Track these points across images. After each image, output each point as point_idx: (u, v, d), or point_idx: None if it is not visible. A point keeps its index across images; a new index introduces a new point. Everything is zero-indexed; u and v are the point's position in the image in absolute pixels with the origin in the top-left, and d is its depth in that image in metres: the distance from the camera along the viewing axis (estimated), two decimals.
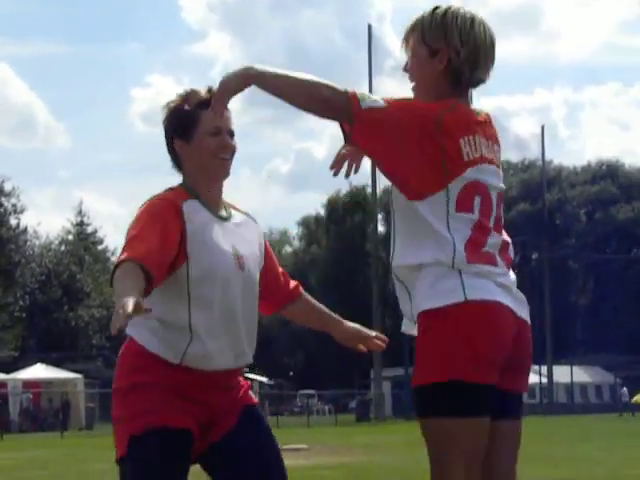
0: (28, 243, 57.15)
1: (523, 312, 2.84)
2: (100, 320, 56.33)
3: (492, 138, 2.92)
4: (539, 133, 60.15)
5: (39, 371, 39.95)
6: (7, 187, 52.91)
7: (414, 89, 2.96)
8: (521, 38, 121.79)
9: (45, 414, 38.97)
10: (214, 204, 3.24)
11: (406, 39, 2.97)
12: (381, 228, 58.53)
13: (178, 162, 3.27)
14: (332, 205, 74.36)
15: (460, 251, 2.75)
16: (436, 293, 2.73)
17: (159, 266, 2.93)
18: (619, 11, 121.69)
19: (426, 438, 2.76)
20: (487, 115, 2.95)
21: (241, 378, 3.29)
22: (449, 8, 2.92)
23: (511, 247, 2.96)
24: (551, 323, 55.26)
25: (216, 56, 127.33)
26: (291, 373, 67.19)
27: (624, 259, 69.26)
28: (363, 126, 2.77)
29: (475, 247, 2.79)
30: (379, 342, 3.53)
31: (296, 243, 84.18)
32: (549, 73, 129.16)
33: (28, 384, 38.46)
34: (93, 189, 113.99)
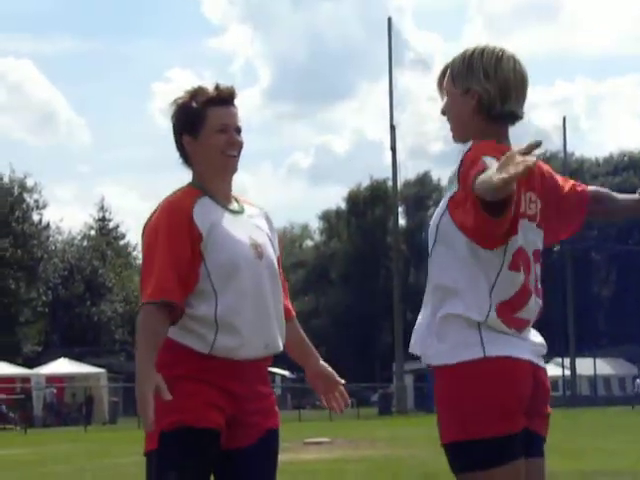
0: (50, 239, 57.42)
1: (540, 359, 2.90)
2: (123, 315, 56.58)
3: (533, 189, 2.92)
4: (560, 125, 60.10)
5: (62, 366, 40.16)
6: (29, 183, 53.21)
7: (451, 129, 3.02)
8: (541, 29, 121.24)
9: (69, 409, 39.19)
10: (225, 199, 3.29)
11: (439, 83, 3.05)
12: (402, 221, 58.50)
13: (187, 158, 3.32)
14: (353, 199, 74.34)
15: (493, 313, 2.78)
16: (453, 347, 2.77)
17: (181, 294, 3.07)
18: None
19: None
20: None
21: (271, 390, 3.32)
22: (478, 47, 2.99)
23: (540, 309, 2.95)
24: (574, 315, 55.06)
25: (236, 50, 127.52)
26: None
27: None
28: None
29: (510, 311, 2.81)
30: (339, 403, 3.54)
31: (317, 237, 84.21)
32: (570, 65, 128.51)
33: (51, 379, 38.67)
34: (114, 184, 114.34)
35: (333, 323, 69.13)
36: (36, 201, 53.57)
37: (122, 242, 66.94)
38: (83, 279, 56.93)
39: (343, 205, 76.40)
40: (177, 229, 3.12)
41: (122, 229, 67.48)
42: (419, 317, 2.92)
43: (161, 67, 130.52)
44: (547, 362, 23.89)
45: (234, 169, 3.31)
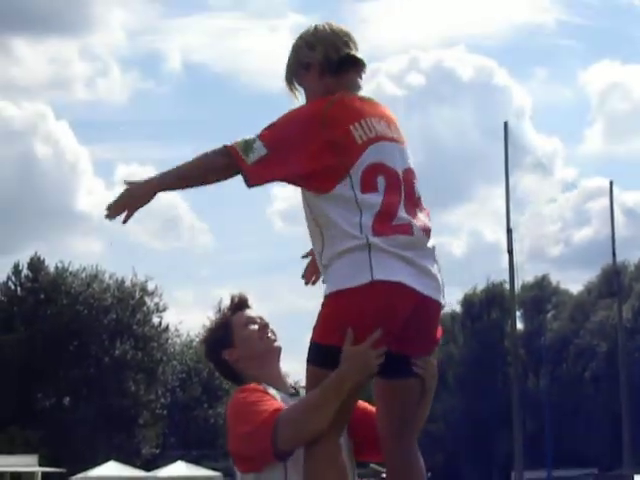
0: (169, 341, 58.37)
1: (428, 289, 3.13)
2: None
3: (385, 117, 3.22)
4: None
5: (179, 469, 40.33)
6: (150, 286, 54.47)
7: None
8: None
9: None
10: (281, 385, 3.46)
11: (288, 87, 3.35)
12: (520, 325, 57.64)
13: (232, 372, 3.52)
14: (469, 302, 73.67)
15: (368, 226, 3.05)
16: (346, 275, 3.06)
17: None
18: None
19: (307, 380, 3.17)
20: (374, 99, 3.26)
21: None
22: (295, 39, 3.35)
23: (429, 216, 3.28)
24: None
25: None
26: (429, 473, 66.00)
27: None
28: (258, 176, 3.12)
29: (385, 220, 3.07)
30: None
31: None
32: None
33: None
34: (233, 286, 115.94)
35: (449, 428, 67.93)
36: (156, 304, 54.74)
37: None
38: (200, 381, 57.49)
39: (458, 308, 75.78)
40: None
41: None
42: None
43: None
44: None
45: (278, 349, 3.52)
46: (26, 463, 40.17)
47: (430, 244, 3.21)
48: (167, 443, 55.76)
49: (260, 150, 3.09)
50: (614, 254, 42.12)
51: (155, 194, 3.19)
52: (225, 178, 3.16)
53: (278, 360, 3.49)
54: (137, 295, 54.04)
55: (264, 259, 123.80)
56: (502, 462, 60.42)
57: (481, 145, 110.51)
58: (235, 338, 3.47)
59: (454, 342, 74.71)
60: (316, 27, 3.32)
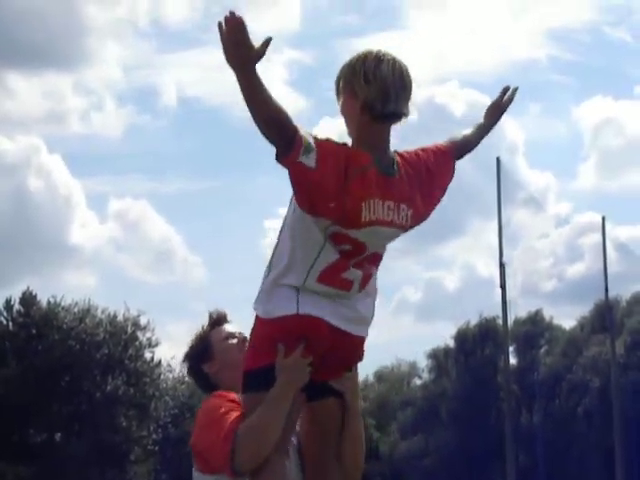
0: (162, 376, 58.12)
1: (353, 328, 3.40)
2: None
3: (392, 198, 3.37)
4: None
5: None
6: (143, 321, 54.30)
7: (346, 128, 3.43)
8: None
9: None
10: None
11: (337, 86, 3.42)
12: (513, 360, 57.57)
13: (212, 385, 3.79)
14: (462, 337, 73.54)
15: (317, 271, 3.33)
16: (274, 304, 3.35)
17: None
18: None
19: (245, 409, 3.37)
20: (395, 173, 3.39)
21: None
22: (363, 52, 3.38)
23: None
24: None
25: None
26: None
27: None
28: (294, 169, 3.25)
29: (331, 273, 3.33)
30: None
31: (425, 375, 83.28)
32: None
33: None
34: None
35: (442, 464, 67.60)
36: (148, 339, 54.55)
37: None
38: (193, 416, 57.05)
39: (452, 343, 75.60)
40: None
41: None
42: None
43: (272, 204, 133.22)
44: None
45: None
46: None
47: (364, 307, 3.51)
48: (159, 479, 55.37)
49: (311, 162, 3.21)
50: (606, 289, 42.20)
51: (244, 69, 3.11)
52: (267, 134, 3.21)
53: None
54: (129, 330, 53.87)
55: (257, 292, 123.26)
56: None
57: (475, 179, 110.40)
58: (214, 351, 3.70)
59: (447, 377, 74.54)
60: (382, 61, 3.33)
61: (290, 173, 3.25)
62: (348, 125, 3.38)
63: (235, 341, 3.75)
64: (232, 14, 2.97)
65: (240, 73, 3.04)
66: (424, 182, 3.51)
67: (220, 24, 2.98)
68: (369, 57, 3.33)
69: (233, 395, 3.58)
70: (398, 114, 3.35)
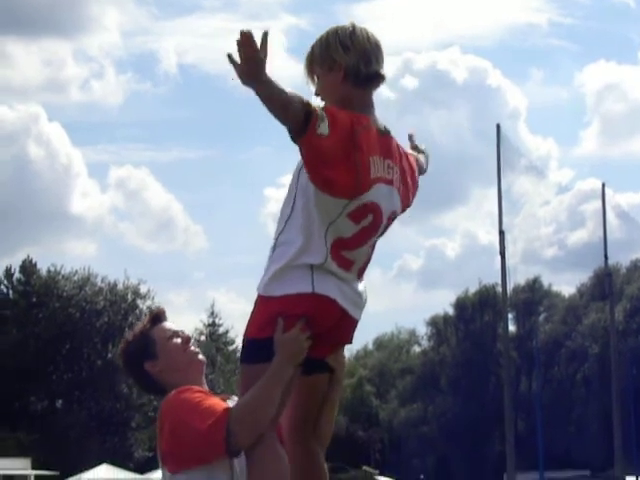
0: None
1: (355, 312, 3.44)
2: None
3: (391, 157, 3.40)
4: None
5: None
6: (143, 289, 54.47)
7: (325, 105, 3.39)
8: None
9: None
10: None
11: (307, 70, 3.45)
12: (512, 328, 57.74)
13: (154, 384, 3.57)
14: (461, 304, 73.71)
15: (329, 253, 3.32)
16: (288, 282, 3.33)
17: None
18: None
19: (243, 380, 3.36)
20: (389, 133, 3.43)
21: None
22: (330, 28, 3.42)
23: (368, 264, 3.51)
24: None
25: None
26: (422, 476, 66.04)
27: None
28: (308, 145, 3.23)
29: (339, 248, 3.34)
30: None
31: (424, 342, 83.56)
32: None
33: None
34: (226, 290, 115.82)
35: (441, 431, 67.99)
36: (149, 307, 54.70)
37: (231, 347, 67.53)
38: None
39: (451, 311, 75.77)
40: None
41: (232, 334, 68.18)
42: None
43: (273, 174, 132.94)
44: None
45: (203, 360, 3.64)
46: (19, 466, 40.18)
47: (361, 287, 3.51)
48: None
49: (325, 129, 3.21)
50: (606, 257, 42.18)
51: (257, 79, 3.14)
52: (285, 124, 3.22)
53: (202, 373, 3.58)
54: (130, 298, 54.03)
55: (258, 261, 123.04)
56: (494, 464, 60.50)
57: (475, 147, 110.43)
58: (158, 350, 3.54)
59: (447, 344, 74.80)
60: (354, 30, 3.39)
61: (305, 149, 3.23)
62: (329, 101, 3.37)
63: (179, 340, 3.59)
64: (242, 32, 3.05)
65: (256, 86, 3.09)
66: (407, 171, 3.57)
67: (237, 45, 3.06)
68: (340, 29, 3.39)
69: (198, 387, 3.46)
70: (382, 75, 3.40)
